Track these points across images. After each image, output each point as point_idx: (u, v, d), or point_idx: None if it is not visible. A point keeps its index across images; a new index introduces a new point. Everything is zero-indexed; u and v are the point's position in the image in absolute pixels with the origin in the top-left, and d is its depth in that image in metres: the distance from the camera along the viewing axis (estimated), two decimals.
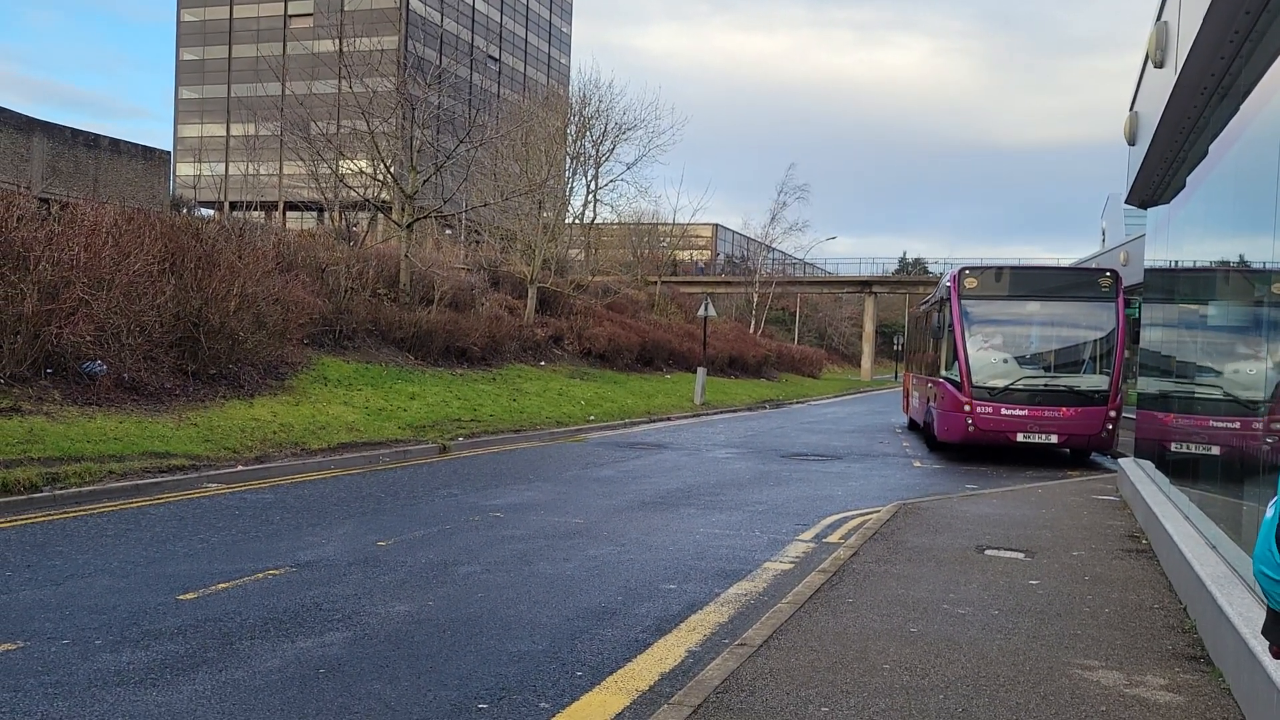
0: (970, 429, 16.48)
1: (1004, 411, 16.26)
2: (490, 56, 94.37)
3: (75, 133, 25.96)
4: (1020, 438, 16.22)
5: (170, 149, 40.48)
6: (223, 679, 5.12)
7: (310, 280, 21.78)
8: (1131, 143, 11.34)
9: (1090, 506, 11.53)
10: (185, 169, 74.08)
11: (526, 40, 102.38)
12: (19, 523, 9.02)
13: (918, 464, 16.66)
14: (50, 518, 9.29)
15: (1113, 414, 16.16)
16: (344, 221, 34.97)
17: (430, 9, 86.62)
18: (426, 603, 6.69)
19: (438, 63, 43.88)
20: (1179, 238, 9.68)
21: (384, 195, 30.55)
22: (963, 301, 17.04)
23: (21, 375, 13.04)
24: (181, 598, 6.63)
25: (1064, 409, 16.14)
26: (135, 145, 28.01)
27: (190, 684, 5.04)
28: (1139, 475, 11.40)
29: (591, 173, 44.74)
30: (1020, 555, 8.45)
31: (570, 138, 41.56)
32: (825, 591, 6.90)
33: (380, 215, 32.38)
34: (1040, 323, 17.13)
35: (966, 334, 16.80)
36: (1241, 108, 6.53)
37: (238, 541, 8.50)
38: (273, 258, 20.19)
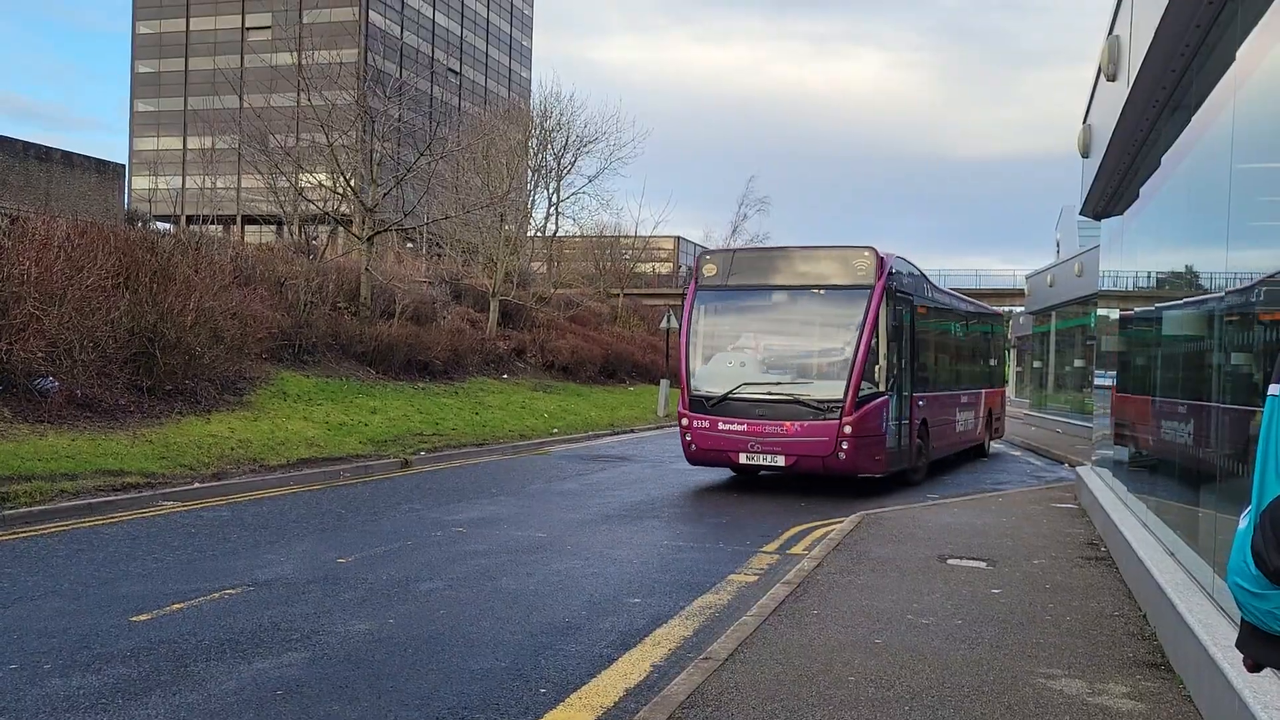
0: (691, 447, 13.91)
1: (721, 426, 13.45)
2: (450, 70, 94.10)
3: (26, 145, 25.51)
4: (743, 459, 13.36)
5: (125, 162, 39.89)
6: (176, 702, 5.00)
7: (269, 294, 21.51)
8: (1085, 155, 11.51)
9: (1050, 515, 11.64)
10: (141, 182, 72.99)
11: (487, 53, 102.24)
12: None
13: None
14: None
15: (849, 429, 12.75)
16: (303, 235, 34.64)
17: (390, 22, 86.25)
18: (387, 621, 6.59)
19: (398, 76, 43.66)
20: (1132, 248, 9.83)
21: (344, 208, 30.29)
22: (699, 292, 14.38)
23: None
24: (134, 619, 6.48)
25: (788, 423, 13.04)
26: (89, 158, 27.59)
27: (142, 708, 4.91)
28: (1097, 483, 11.54)
29: (553, 185, 44.79)
30: (982, 564, 8.50)
31: (532, 150, 41.54)
32: (790, 604, 6.89)
33: (340, 228, 32.10)
34: (779, 315, 14.13)
35: (693, 331, 14.18)
36: (1193, 119, 6.65)
37: (193, 560, 8.34)
38: (230, 272, 19.93)
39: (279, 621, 6.50)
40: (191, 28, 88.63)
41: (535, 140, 42.00)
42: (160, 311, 15.87)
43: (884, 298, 13.16)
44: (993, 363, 22.35)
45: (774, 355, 13.95)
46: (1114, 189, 10.78)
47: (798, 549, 9.59)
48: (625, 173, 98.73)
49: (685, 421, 13.88)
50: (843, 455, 12.79)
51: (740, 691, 5.05)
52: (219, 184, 56.28)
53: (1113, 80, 8.55)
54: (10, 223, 16.00)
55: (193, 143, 78.30)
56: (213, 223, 41.54)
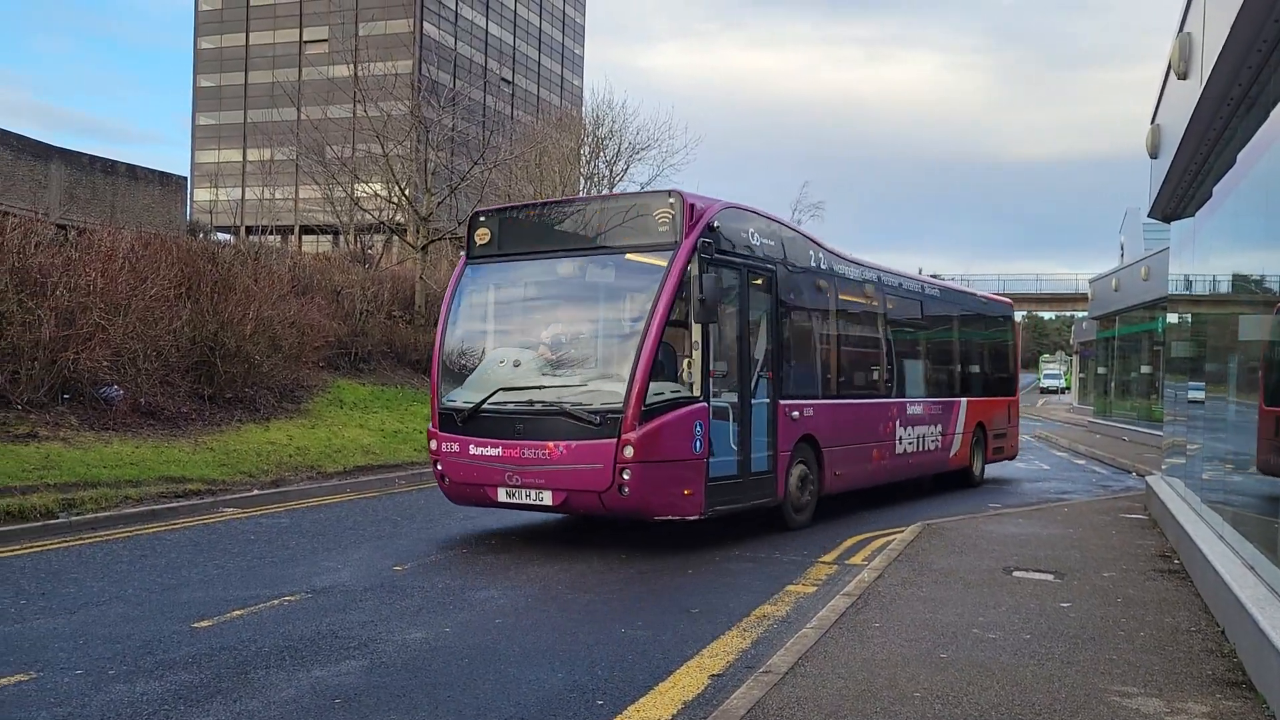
0: (444, 480, 10.10)
1: (473, 451, 9.64)
2: (503, 79, 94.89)
3: (92, 159, 26.14)
4: (502, 495, 9.55)
5: (187, 174, 40.79)
6: (237, 710, 5.01)
7: (326, 303, 21.79)
8: (1154, 156, 11.19)
9: (1118, 525, 11.32)
10: (203, 194, 74.66)
11: (539, 62, 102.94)
12: (34, 549, 8.97)
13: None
14: (66, 544, 9.23)
15: (630, 450, 8.81)
16: (359, 244, 35.07)
17: (444, 33, 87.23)
18: (444, 629, 6.57)
19: (451, 86, 44.10)
20: (1206, 250, 9.52)
21: (399, 217, 30.63)
22: (466, 267, 10.70)
23: (38, 401, 13.03)
24: (196, 626, 6.53)
25: (552, 444, 9.18)
26: (152, 171, 28.19)
27: (204, 715, 4.93)
28: (1168, 494, 11.19)
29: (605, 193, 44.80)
30: (1050, 577, 8.26)
31: (584, 158, 41.63)
32: (851, 616, 6.74)
33: (395, 237, 32.45)
34: (560, 292, 10.34)
35: (450, 320, 10.50)
36: (1272, 114, 6.39)
37: (253, 567, 8.41)
38: (288, 281, 20.24)
39: (337, 629, 6.51)
40: (251, 42, 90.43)
41: (587, 148, 42.10)
42: (221, 321, 16.15)
43: (695, 261, 9.24)
44: (988, 365, 17.47)
45: (549, 349, 10.03)
46: (1185, 189, 10.46)
47: (857, 559, 9.42)
48: (677, 179, 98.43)
49: (434, 445, 10.09)
50: (626, 489, 8.89)
51: (802, 706, 4.93)
52: (277, 195, 57.28)
53: (1184, 79, 8.28)
54: (78, 235, 16.38)
55: (252, 155, 79.80)
56: (271, 233, 42.29)
